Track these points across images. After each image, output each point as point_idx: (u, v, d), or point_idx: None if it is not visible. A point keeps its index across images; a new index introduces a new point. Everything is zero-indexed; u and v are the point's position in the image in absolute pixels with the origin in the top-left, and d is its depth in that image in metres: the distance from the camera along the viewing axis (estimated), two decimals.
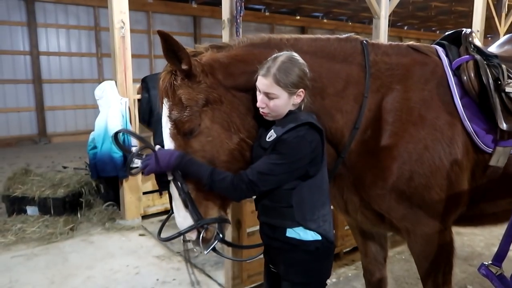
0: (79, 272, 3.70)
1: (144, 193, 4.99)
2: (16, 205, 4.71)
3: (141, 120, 4.80)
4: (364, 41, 1.88)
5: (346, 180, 1.85)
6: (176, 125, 1.67)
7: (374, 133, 1.77)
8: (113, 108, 4.53)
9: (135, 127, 4.75)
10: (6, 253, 4.08)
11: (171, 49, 1.61)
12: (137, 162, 4.63)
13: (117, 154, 4.50)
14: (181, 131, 1.67)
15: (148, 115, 4.77)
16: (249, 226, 3.19)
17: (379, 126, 1.76)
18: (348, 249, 3.92)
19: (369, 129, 1.78)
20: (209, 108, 1.67)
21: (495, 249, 1.58)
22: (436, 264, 1.83)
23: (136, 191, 4.83)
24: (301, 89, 1.62)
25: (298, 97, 1.63)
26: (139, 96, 4.81)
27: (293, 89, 1.60)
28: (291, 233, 1.66)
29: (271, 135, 1.63)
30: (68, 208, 4.74)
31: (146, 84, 4.80)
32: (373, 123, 1.78)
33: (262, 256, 1.95)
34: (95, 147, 4.65)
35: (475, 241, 4.28)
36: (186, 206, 1.67)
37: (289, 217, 1.65)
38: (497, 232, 2.65)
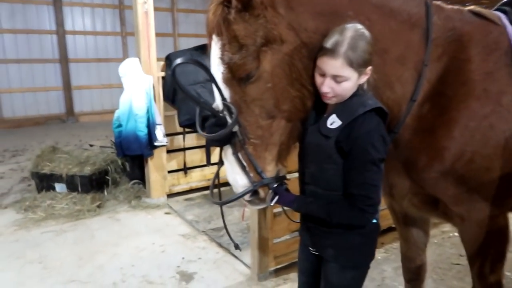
0: (105, 249, 3.73)
1: (170, 171, 4.97)
2: (45, 182, 4.78)
3: (165, 98, 4.73)
4: (428, 1, 1.66)
5: (394, 161, 1.67)
6: (230, 68, 1.43)
7: (432, 108, 1.58)
8: (137, 86, 4.47)
9: (160, 105, 4.69)
10: (37, 229, 4.16)
11: None
12: (161, 139, 4.67)
13: (142, 132, 4.46)
14: (236, 76, 1.44)
15: (172, 93, 4.69)
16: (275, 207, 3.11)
17: (438, 100, 1.58)
18: None
19: (427, 103, 1.59)
20: (268, 48, 1.43)
21: None
22: (485, 251, 1.68)
23: (161, 169, 4.81)
24: (370, 67, 1.44)
25: (365, 76, 1.45)
26: (163, 74, 4.72)
27: (363, 69, 1.42)
28: None
29: (334, 121, 1.46)
30: (95, 185, 4.78)
31: (170, 62, 4.70)
32: (431, 96, 1.59)
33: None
34: (120, 125, 4.63)
35: None
36: (242, 166, 1.51)
37: None
38: None
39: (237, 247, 1.87)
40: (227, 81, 1.46)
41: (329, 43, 1.40)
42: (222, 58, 1.44)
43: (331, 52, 1.38)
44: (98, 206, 4.62)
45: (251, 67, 1.42)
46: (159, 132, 4.58)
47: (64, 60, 10.80)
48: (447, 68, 1.59)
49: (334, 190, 1.51)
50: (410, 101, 1.59)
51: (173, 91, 4.69)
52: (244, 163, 1.51)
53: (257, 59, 1.43)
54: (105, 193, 4.91)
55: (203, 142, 5.06)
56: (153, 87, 4.57)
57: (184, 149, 5.02)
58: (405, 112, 1.59)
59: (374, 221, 1.58)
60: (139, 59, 4.57)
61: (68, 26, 10.88)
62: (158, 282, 3.18)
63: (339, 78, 1.40)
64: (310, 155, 1.56)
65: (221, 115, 1.48)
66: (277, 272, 3.23)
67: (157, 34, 4.90)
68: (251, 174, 1.51)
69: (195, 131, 4.98)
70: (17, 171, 6.27)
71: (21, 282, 3.20)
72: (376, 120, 1.45)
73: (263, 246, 3.13)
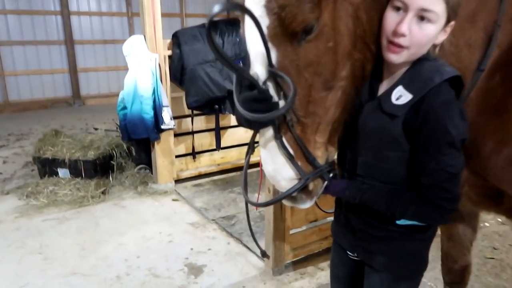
0: (110, 238, 3.51)
1: (177, 156, 4.72)
2: (48, 167, 4.57)
3: (172, 78, 4.44)
4: None
5: None
6: (282, 19, 1.03)
7: (503, 81, 1.26)
8: (142, 65, 4.19)
9: (166, 85, 4.41)
10: (38, 216, 3.95)
11: None
12: (168, 122, 4.40)
13: (148, 115, 4.20)
14: (288, 30, 1.05)
15: (180, 72, 4.39)
16: None
17: (510, 71, 1.26)
18: None
19: (497, 74, 1.27)
20: None
21: None
22: None
23: (169, 154, 4.56)
24: (453, 22, 1.14)
25: (444, 34, 1.15)
26: (170, 52, 4.42)
27: (453, 15, 1.11)
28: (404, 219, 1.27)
29: (401, 95, 1.15)
30: (99, 171, 4.55)
31: (177, 39, 4.39)
32: (502, 65, 1.27)
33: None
34: (124, 108, 4.37)
35: None
36: (288, 154, 1.15)
37: None
38: None
39: (264, 254, 1.56)
40: (275, 38, 1.06)
41: None
42: (268, 6, 1.03)
43: None
44: (103, 193, 4.40)
45: (310, 18, 1.04)
46: (166, 114, 4.31)
47: (69, 42, 10.51)
48: None
49: (397, 184, 1.22)
50: (477, 70, 1.27)
51: (180, 70, 4.39)
52: (291, 150, 1.16)
53: (318, 7, 1.04)
54: (110, 178, 4.69)
55: (212, 125, 4.78)
56: (159, 67, 4.29)
57: (192, 133, 4.75)
58: (470, 85, 1.28)
59: None
60: (144, 36, 4.27)
61: (73, 7, 10.56)
62: (165, 275, 2.95)
63: (427, 14, 1.06)
64: (366, 140, 1.24)
65: (263, 86, 1.09)
66: (294, 266, 2.99)
67: (164, 15, 4.62)
68: (299, 163, 1.17)
69: (204, 113, 4.71)
70: (21, 155, 6.07)
71: (20, 274, 3.00)
72: (453, 93, 1.14)
73: (278, 237, 2.88)
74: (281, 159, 1.17)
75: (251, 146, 1.33)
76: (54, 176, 4.59)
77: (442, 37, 1.15)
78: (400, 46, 1.10)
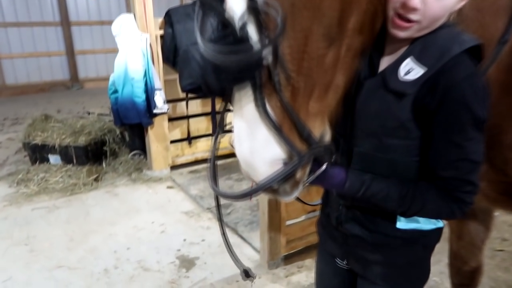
0: (100, 229, 3.37)
1: (172, 141, 4.53)
2: (38, 153, 4.41)
3: (165, 59, 4.21)
4: None
5: None
6: None
7: None
8: (133, 45, 3.96)
9: (159, 67, 4.19)
10: (28, 205, 3.81)
11: None
12: (161, 106, 4.19)
13: (139, 98, 4.00)
14: None
15: (172, 53, 4.16)
16: None
17: None
18: None
19: None
20: None
21: None
22: None
23: (163, 139, 4.37)
24: None
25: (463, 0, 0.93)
26: (161, 32, 4.19)
27: None
28: (405, 222, 1.07)
29: (410, 69, 0.93)
30: (91, 157, 4.38)
31: (170, 18, 4.14)
32: None
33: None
34: (116, 91, 4.16)
35: None
36: (274, 125, 0.83)
37: None
38: None
39: (247, 274, 1.20)
40: None
41: None
42: None
43: None
44: (95, 180, 4.24)
45: None
46: (159, 98, 4.11)
47: (65, 23, 10.24)
48: None
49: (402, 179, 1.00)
50: (498, 43, 1.05)
51: (173, 51, 4.16)
52: (275, 121, 0.84)
53: None
54: (103, 165, 4.53)
55: (208, 109, 4.58)
56: (151, 47, 4.06)
57: (187, 117, 4.56)
58: (490, 58, 1.06)
59: (441, 224, 1.11)
60: (134, 15, 4.03)
61: None
62: (154, 268, 2.80)
63: None
64: (364, 126, 1.01)
65: (241, 27, 0.78)
66: (290, 259, 2.82)
67: None
68: (289, 139, 0.85)
69: (199, 96, 4.49)
70: (14, 140, 5.91)
71: (4, 267, 2.86)
72: (474, 65, 0.93)
73: (274, 229, 2.71)
74: (263, 133, 0.84)
75: (220, 123, 1.04)
76: (45, 162, 4.43)
77: (460, 4, 0.92)
78: (409, 21, 0.89)
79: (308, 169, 0.95)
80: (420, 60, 0.92)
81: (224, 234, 1.15)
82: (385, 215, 1.06)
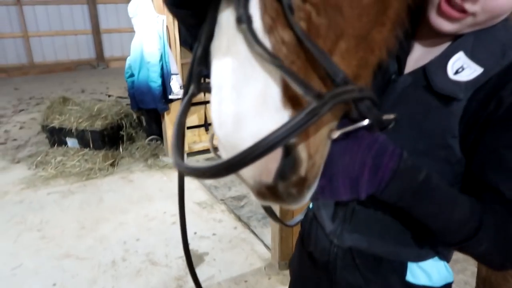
0: (112, 217, 3.32)
1: (189, 127, 4.42)
2: (56, 136, 4.41)
3: (182, 42, 4.05)
4: None
5: None
6: None
7: None
8: (149, 28, 3.82)
9: (176, 51, 4.04)
10: (44, 188, 3.82)
11: None
12: (177, 92, 4.06)
13: (155, 83, 3.88)
14: None
15: None
16: None
17: None
18: None
19: None
20: None
21: None
22: None
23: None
24: None
25: None
26: None
27: None
28: (416, 272, 0.84)
29: (462, 67, 0.69)
30: (107, 141, 4.34)
31: None
32: None
33: None
34: (132, 75, 4.07)
35: None
36: (276, 60, 0.45)
37: (421, 240, 0.82)
38: None
39: None
40: None
41: None
42: None
43: None
44: (112, 165, 4.20)
45: None
46: (175, 83, 3.98)
47: (91, 1, 10.23)
48: None
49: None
50: None
51: None
52: (281, 58, 0.46)
53: None
54: (121, 150, 4.48)
55: None
56: (167, 30, 3.91)
57: (205, 103, 4.41)
58: None
59: (451, 279, 0.87)
60: None
61: None
62: (162, 263, 2.73)
63: None
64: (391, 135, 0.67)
65: None
66: None
67: None
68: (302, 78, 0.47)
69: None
70: (37, 120, 5.97)
71: (15, 252, 2.87)
72: None
73: (286, 228, 2.56)
74: (258, 86, 0.47)
75: (193, 72, 0.60)
76: (64, 145, 4.43)
77: None
78: (462, 11, 0.67)
79: (320, 163, 0.56)
80: (474, 57, 0.70)
81: (186, 248, 0.89)
82: (395, 265, 0.85)
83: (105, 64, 10.70)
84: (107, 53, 10.79)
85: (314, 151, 0.53)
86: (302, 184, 0.54)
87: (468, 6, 0.66)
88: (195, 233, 3.07)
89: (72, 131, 4.24)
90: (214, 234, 3.05)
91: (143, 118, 4.60)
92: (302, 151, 0.51)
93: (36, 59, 10.07)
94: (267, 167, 0.51)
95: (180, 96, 4.05)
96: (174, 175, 4.11)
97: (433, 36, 0.74)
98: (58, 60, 10.28)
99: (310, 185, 0.56)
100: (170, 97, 3.97)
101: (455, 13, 0.67)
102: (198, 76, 0.60)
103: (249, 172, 0.52)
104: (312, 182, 0.56)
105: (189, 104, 0.64)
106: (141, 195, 3.68)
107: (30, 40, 9.89)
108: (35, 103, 7.11)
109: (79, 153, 4.28)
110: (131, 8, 3.90)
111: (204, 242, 2.96)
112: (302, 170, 0.52)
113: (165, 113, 4.15)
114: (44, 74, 9.83)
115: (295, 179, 0.52)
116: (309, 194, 0.56)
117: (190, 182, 3.96)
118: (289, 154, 0.51)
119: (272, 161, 0.51)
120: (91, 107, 4.52)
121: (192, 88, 0.60)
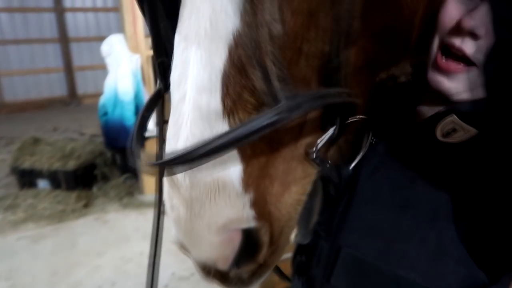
0: (86, 261, 3.20)
1: None
2: (27, 178, 4.27)
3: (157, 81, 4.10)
4: None
5: None
6: None
7: None
8: (123, 67, 3.85)
9: (150, 89, 4.06)
10: (13, 234, 3.66)
11: None
12: (152, 130, 4.06)
13: (130, 121, 3.87)
14: None
15: None
16: None
17: None
18: None
19: None
20: None
21: None
22: None
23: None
24: None
25: None
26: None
27: None
28: None
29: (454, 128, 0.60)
30: (80, 182, 4.24)
31: None
32: None
33: None
34: (106, 113, 4.05)
35: None
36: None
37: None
38: None
39: None
40: None
41: None
42: None
43: None
44: (85, 205, 4.09)
45: None
46: (150, 121, 3.96)
47: (64, 39, 10.22)
48: None
49: None
50: None
51: None
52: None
53: None
54: (94, 189, 4.38)
55: None
56: (142, 68, 3.94)
57: None
58: None
59: None
60: (124, 35, 3.93)
61: (67, 3, 10.25)
62: None
63: None
64: (367, 214, 0.65)
65: None
66: None
67: None
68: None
69: None
70: (7, 161, 5.79)
71: None
72: None
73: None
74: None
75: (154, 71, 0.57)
76: (34, 187, 4.29)
77: None
78: (461, 60, 0.58)
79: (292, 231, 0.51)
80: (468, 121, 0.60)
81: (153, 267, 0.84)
82: None
83: (78, 101, 10.58)
84: (80, 90, 10.70)
85: (278, 233, 0.48)
86: (257, 271, 0.49)
87: (468, 48, 0.56)
88: (173, 273, 2.99)
89: (44, 172, 4.13)
90: (192, 275, 2.98)
91: (117, 156, 4.54)
92: (264, 235, 0.46)
93: (7, 98, 9.86)
94: (223, 254, 0.47)
95: (154, 134, 4.04)
96: (150, 214, 4.00)
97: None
98: (30, 98, 10.10)
99: (265, 272, 0.51)
100: (145, 135, 3.94)
101: (452, 65, 0.58)
102: (162, 68, 0.60)
103: (202, 256, 0.48)
104: (270, 268, 0.51)
105: (154, 99, 0.67)
106: (116, 236, 3.58)
107: (1, 79, 9.72)
108: (4, 144, 6.92)
109: (51, 194, 4.16)
110: (105, 47, 3.93)
111: (183, 283, 2.88)
112: (261, 258, 0.47)
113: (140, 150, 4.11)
114: (15, 113, 9.62)
115: (251, 268, 0.48)
116: (259, 281, 0.52)
117: (167, 221, 3.89)
118: (249, 239, 0.46)
119: (230, 247, 0.47)
120: (63, 146, 4.44)
121: (158, 83, 0.60)
